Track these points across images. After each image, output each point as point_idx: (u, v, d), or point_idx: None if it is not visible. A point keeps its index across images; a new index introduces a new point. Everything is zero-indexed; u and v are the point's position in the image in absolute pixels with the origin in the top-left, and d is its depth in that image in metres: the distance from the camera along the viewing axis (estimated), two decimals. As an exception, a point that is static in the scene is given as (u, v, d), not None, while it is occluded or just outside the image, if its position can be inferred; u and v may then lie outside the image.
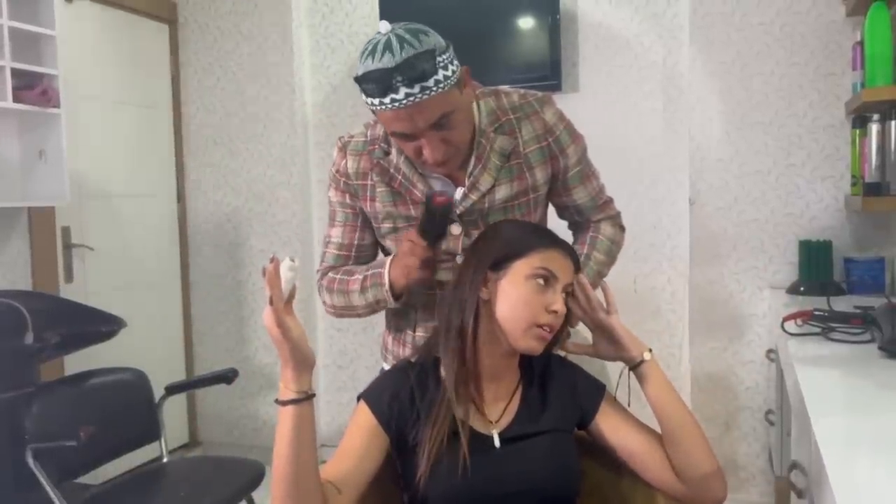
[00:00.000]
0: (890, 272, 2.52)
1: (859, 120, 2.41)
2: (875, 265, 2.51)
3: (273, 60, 3.47)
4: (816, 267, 2.55)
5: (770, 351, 2.53)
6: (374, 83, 1.22)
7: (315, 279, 1.59)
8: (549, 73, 3.02)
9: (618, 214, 1.63)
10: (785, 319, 1.90)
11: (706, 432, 1.29)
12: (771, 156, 2.72)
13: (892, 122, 2.18)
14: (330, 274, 1.52)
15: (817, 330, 1.83)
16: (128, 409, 2.50)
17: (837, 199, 2.66)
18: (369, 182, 1.45)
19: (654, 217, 3.05)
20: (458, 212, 1.41)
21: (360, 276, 1.45)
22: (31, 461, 2.07)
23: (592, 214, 1.58)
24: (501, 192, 1.42)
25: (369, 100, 1.25)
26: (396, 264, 1.40)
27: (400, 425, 1.24)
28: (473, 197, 1.41)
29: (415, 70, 1.20)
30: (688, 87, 2.86)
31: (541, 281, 1.23)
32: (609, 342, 1.34)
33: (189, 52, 3.63)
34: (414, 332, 1.52)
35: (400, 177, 1.42)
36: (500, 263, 1.26)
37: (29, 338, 2.23)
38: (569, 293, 1.28)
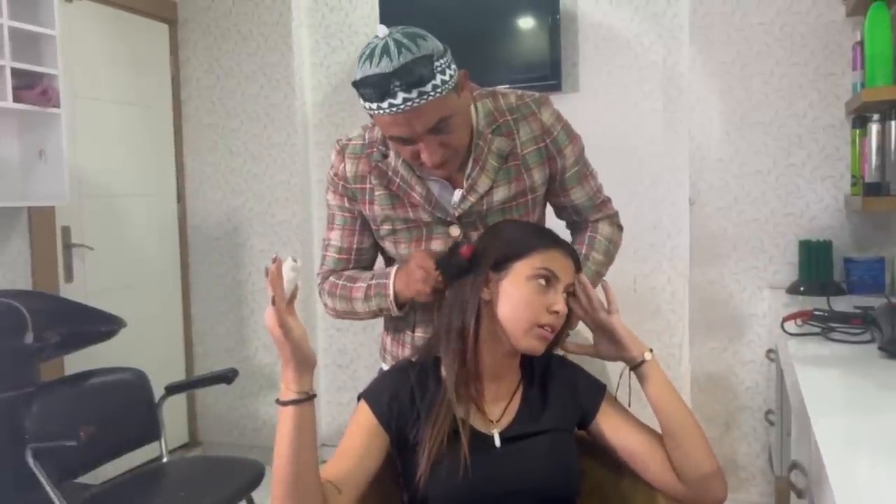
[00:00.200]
0: (890, 272, 2.52)
1: (859, 120, 2.41)
2: (875, 265, 2.51)
3: (273, 60, 3.47)
4: (816, 267, 2.55)
5: (770, 351, 2.53)
6: (372, 88, 1.22)
7: (316, 280, 1.59)
8: (549, 73, 3.02)
9: (615, 214, 1.63)
10: (785, 319, 1.90)
11: (706, 432, 1.29)
12: (771, 156, 2.72)
13: (892, 122, 2.18)
14: (332, 278, 1.52)
15: (817, 330, 1.83)
16: (128, 408, 2.50)
17: (837, 199, 2.66)
18: (368, 185, 1.45)
19: (654, 217, 3.05)
20: (456, 213, 1.41)
21: (364, 285, 1.46)
22: (31, 461, 2.08)
23: (590, 214, 1.58)
24: (499, 194, 1.42)
25: (367, 104, 1.26)
26: (402, 279, 1.40)
27: (400, 425, 1.24)
28: (471, 199, 1.41)
29: (413, 75, 1.20)
30: (688, 87, 2.86)
31: (542, 281, 1.23)
32: (610, 342, 1.34)
33: (189, 51, 3.63)
34: (413, 332, 1.52)
35: (398, 179, 1.42)
36: (501, 264, 1.26)
37: (29, 337, 2.23)
38: (570, 293, 1.28)
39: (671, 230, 3.03)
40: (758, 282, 2.76)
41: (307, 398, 1.09)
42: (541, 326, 1.23)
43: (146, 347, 3.32)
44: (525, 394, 1.32)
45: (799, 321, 1.89)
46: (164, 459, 2.55)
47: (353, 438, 1.22)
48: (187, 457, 3.48)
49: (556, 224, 1.55)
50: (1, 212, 2.75)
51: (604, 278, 1.54)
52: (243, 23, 3.51)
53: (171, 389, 2.58)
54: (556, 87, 3.02)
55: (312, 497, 1.10)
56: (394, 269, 1.43)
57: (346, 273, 1.52)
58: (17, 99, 2.54)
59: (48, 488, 2.07)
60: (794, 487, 1.36)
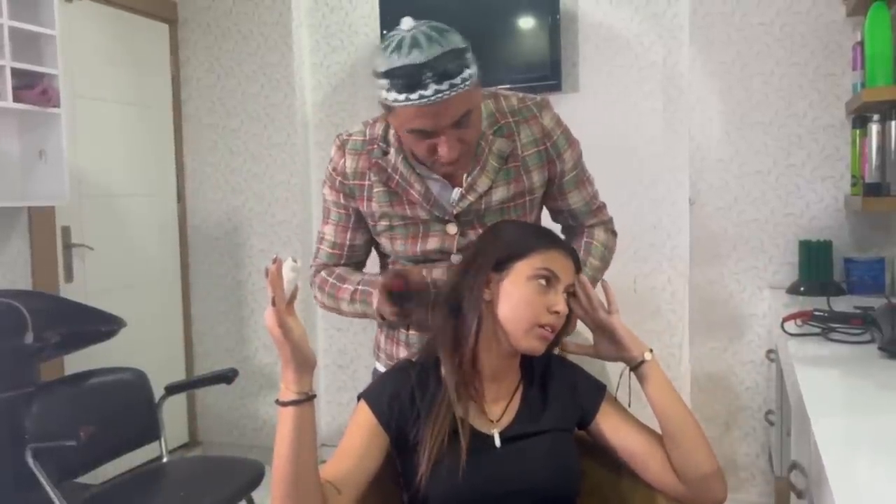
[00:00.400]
0: (890, 272, 2.52)
1: (859, 120, 2.41)
2: (875, 265, 2.51)
3: (273, 60, 3.47)
4: (816, 267, 2.55)
5: (770, 351, 2.53)
6: (402, 79, 1.21)
7: (310, 273, 1.60)
8: (549, 73, 3.02)
9: (610, 220, 1.64)
10: (785, 319, 1.90)
11: (706, 432, 1.29)
12: (771, 156, 2.72)
13: (893, 123, 2.18)
14: (322, 273, 1.54)
15: (817, 330, 1.83)
16: (128, 408, 2.50)
17: (837, 199, 2.66)
18: (367, 182, 1.45)
19: (655, 217, 3.05)
20: (454, 212, 1.42)
21: (352, 288, 1.48)
22: (30, 461, 2.08)
23: (586, 219, 1.59)
24: (498, 194, 1.43)
25: (392, 95, 1.23)
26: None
27: (400, 424, 1.24)
28: (470, 198, 1.41)
29: (444, 67, 1.20)
30: (688, 87, 2.86)
31: (542, 281, 1.24)
32: (610, 342, 1.34)
33: (189, 51, 3.63)
34: (407, 330, 1.52)
35: (397, 177, 1.42)
36: (501, 264, 1.26)
37: (29, 337, 2.23)
38: (570, 293, 1.28)
39: (671, 230, 3.03)
40: (758, 282, 2.76)
41: (307, 399, 1.09)
42: (541, 326, 1.23)
43: (146, 347, 3.33)
44: (525, 394, 1.32)
45: (799, 321, 1.89)
46: (164, 459, 2.55)
47: (352, 438, 1.22)
48: (187, 457, 3.48)
49: (552, 226, 1.55)
50: (1, 212, 2.75)
51: (604, 278, 1.54)
52: (243, 22, 3.51)
53: (171, 389, 2.58)
54: (556, 87, 3.02)
55: (312, 497, 1.10)
56: (379, 280, 1.42)
57: (337, 270, 1.53)
58: (17, 99, 2.54)
59: (48, 488, 2.07)
60: (794, 488, 1.36)
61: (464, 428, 1.21)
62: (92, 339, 2.53)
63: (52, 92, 2.67)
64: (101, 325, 2.50)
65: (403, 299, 1.38)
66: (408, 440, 1.24)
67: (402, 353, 1.54)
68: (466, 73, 1.24)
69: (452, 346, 1.25)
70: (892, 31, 2.13)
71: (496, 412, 1.28)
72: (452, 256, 1.44)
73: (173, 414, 3.33)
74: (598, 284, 1.47)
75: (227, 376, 2.58)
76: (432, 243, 1.44)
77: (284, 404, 1.09)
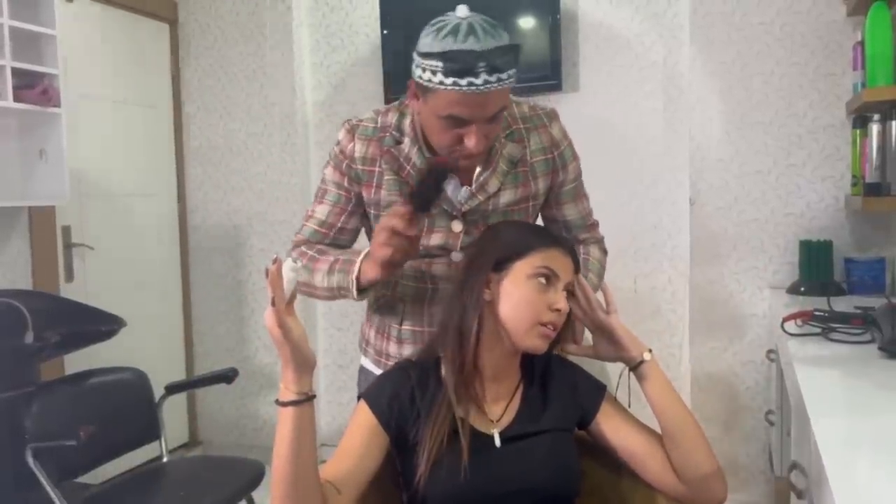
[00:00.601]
0: (890, 272, 2.52)
1: (860, 120, 2.40)
2: (875, 265, 2.51)
3: (273, 60, 3.47)
4: (817, 267, 2.55)
5: (770, 351, 2.53)
6: (456, 63, 1.21)
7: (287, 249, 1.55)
8: (550, 72, 3.02)
9: (602, 239, 1.66)
10: (785, 319, 1.90)
11: (706, 432, 1.29)
12: (771, 156, 2.72)
13: (893, 122, 2.18)
14: (302, 247, 1.49)
15: (817, 330, 1.83)
16: (128, 408, 2.50)
17: (838, 199, 2.66)
18: (377, 169, 1.44)
19: (655, 217, 3.05)
20: (462, 210, 1.42)
21: (332, 259, 1.42)
22: (30, 460, 2.08)
23: (580, 233, 1.60)
24: (506, 197, 1.45)
25: (439, 77, 1.23)
26: (372, 254, 1.35)
27: (400, 424, 1.24)
28: (480, 197, 1.43)
29: (497, 60, 1.22)
30: (688, 86, 2.86)
31: (542, 280, 1.24)
32: (609, 343, 1.34)
33: (189, 51, 3.63)
34: (400, 325, 1.52)
35: (409, 167, 1.42)
36: (501, 264, 1.26)
37: (29, 337, 2.23)
38: (569, 291, 1.28)
39: (671, 230, 3.03)
40: (758, 282, 2.76)
41: (307, 399, 1.09)
42: (543, 325, 1.23)
43: (146, 347, 3.33)
44: (525, 394, 1.32)
45: (799, 321, 1.89)
46: (164, 459, 2.55)
47: (352, 438, 1.22)
48: (187, 456, 3.48)
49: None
50: (1, 211, 2.75)
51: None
52: (244, 22, 3.51)
53: (172, 389, 2.58)
54: (557, 87, 3.02)
55: (312, 497, 1.10)
56: (365, 250, 1.40)
57: (318, 247, 1.49)
58: (17, 98, 2.54)
59: (48, 488, 2.08)
60: (794, 488, 1.36)
61: (464, 428, 1.21)
62: (92, 339, 2.53)
63: (53, 92, 2.67)
64: (101, 325, 2.50)
65: (431, 189, 1.27)
66: (408, 440, 1.24)
67: (393, 349, 1.54)
68: (512, 70, 1.25)
69: (453, 346, 1.25)
70: (893, 31, 2.13)
71: (496, 412, 1.28)
72: (453, 254, 1.44)
73: (173, 414, 3.33)
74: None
75: (228, 376, 2.58)
76: (436, 239, 1.44)
77: (284, 404, 1.08)
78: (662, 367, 1.32)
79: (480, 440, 1.23)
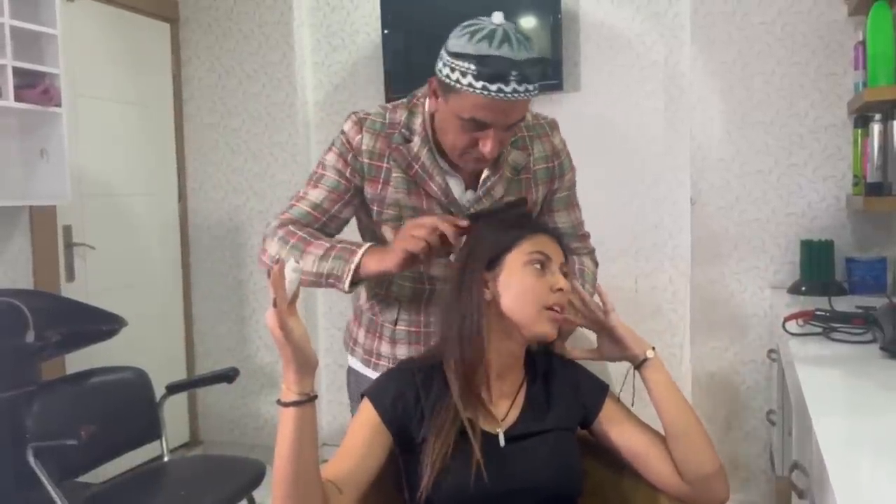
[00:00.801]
0: (892, 272, 2.52)
1: (861, 120, 2.40)
2: (877, 265, 2.51)
3: (274, 59, 3.47)
4: (818, 267, 2.54)
5: (771, 351, 2.53)
6: (490, 67, 1.22)
7: (266, 227, 1.48)
8: (551, 72, 3.01)
9: (594, 250, 1.67)
10: (786, 319, 1.90)
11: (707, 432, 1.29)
12: (772, 155, 2.72)
13: (894, 122, 2.18)
14: (291, 227, 1.43)
15: (818, 330, 1.83)
16: (129, 407, 2.50)
17: (839, 198, 2.66)
18: (385, 165, 1.43)
19: (656, 216, 3.05)
20: (467, 213, 1.43)
21: (328, 244, 1.38)
22: (31, 460, 2.08)
23: (570, 241, 1.61)
24: None
25: (468, 79, 1.24)
26: (376, 255, 1.34)
27: (404, 424, 1.23)
28: (486, 202, 1.44)
29: (528, 71, 1.24)
30: (689, 86, 2.86)
31: (538, 266, 1.25)
32: (612, 342, 1.34)
33: (190, 50, 3.63)
34: (395, 325, 1.52)
35: (417, 166, 1.41)
36: (493, 261, 1.27)
37: (30, 336, 2.23)
38: (564, 273, 1.28)
39: (672, 230, 3.02)
40: (759, 281, 2.76)
41: (308, 400, 1.09)
42: (549, 308, 1.23)
43: (147, 346, 3.33)
44: (528, 393, 1.32)
45: (800, 321, 1.89)
46: (165, 458, 2.55)
47: (355, 437, 1.22)
48: (188, 456, 3.49)
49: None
50: (2, 211, 2.75)
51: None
52: (245, 22, 3.51)
53: (172, 388, 2.58)
54: (558, 87, 3.02)
55: (313, 497, 1.10)
56: (368, 244, 1.38)
57: (309, 230, 1.44)
58: (18, 98, 2.54)
59: (49, 487, 2.08)
60: (796, 488, 1.36)
61: (475, 431, 1.21)
62: (93, 339, 2.53)
63: (54, 91, 2.67)
64: (102, 325, 2.50)
65: (503, 216, 1.31)
66: (412, 440, 1.23)
67: (385, 349, 1.53)
68: (538, 84, 1.28)
69: (457, 354, 1.24)
70: (894, 31, 2.13)
71: (500, 411, 1.28)
72: (452, 256, 1.44)
73: (174, 413, 3.33)
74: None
75: (228, 375, 2.58)
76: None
77: (286, 405, 1.08)
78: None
79: (485, 439, 1.23)
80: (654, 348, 1.31)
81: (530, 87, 1.25)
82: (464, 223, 1.30)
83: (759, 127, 2.72)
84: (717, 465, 1.25)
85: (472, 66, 1.23)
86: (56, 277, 2.99)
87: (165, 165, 3.62)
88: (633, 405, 1.35)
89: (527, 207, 1.41)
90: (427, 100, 1.42)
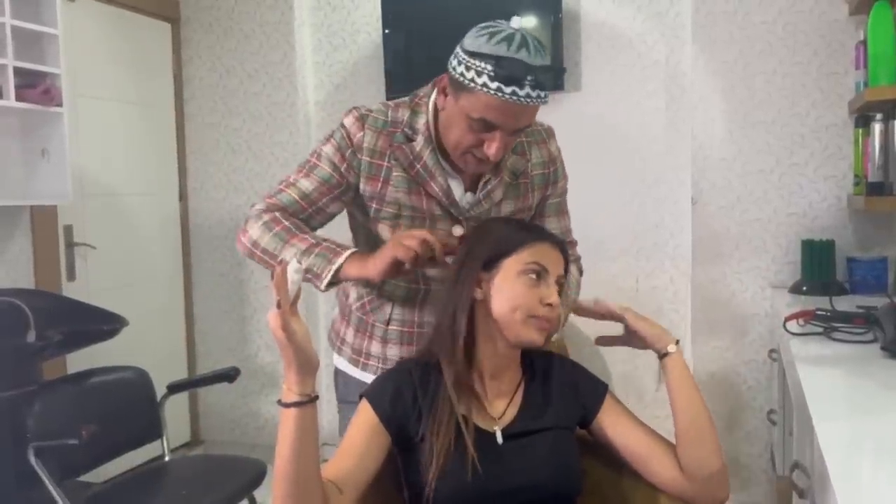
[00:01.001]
0: (893, 272, 2.52)
1: (862, 119, 2.40)
2: (878, 265, 2.51)
3: (275, 59, 3.47)
4: (819, 266, 2.54)
5: (772, 350, 2.53)
6: (507, 70, 1.23)
7: (250, 209, 1.47)
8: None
9: (580, 258, 1.66)
10: (787, 319, 1.89)
11: (708, 432, 1.29)
12: (774, 155, 2.71)
13: (895, 122, 2.18)
14: (277, 213, 1.41)
15: (820, 330, 1.83)
16: (129, 407, 2.50)
17: (840, 198, 2.65)
18: (385, 164, 1.42)
19: (657, 216, 3.05)
20: (466, 215, 1.43)
21: (312, 240, 1.36)
22: (32, 459, 2.08)
23: None
24: (506, 207, 1.47)
25: (483, 79, 1.24)
26: (358, 261, 1.33)
27: (402, 423, 1.24)
28: (486, 205, 1.44)
29: (543, 77, 1.25)
30: (690, 86, 2.86)
31: (533, 276, 1.25)
32: (634, 336, 1.36)
33: (191, 50, 3.63)
34: (387, 325, 1.51)
35: (419, 166, 1.41)
36: (491, 263, 1.27)
37: (31, 336, 2.23)
38: (560, 285, 1.28)
39: (674, 229, 3.02)
40: (760, 281, 2.76)
41: (309, 400, 1.09)
42: (536, 318, 1.24)
43: (148, 346, 3.33)
44: (527, 391, 1.32)
45: (801, 321, 1.88)
46: (166, 458, 2.55)
47: (354, 437, 1.22)
48: (189, 455, 3.49)
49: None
50: (3, 211, 2.75)
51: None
52: (246, 21, 3.51)
53: (173, 388, 2.58)
54: (559, 87, 3.01)
55: (314, 496, 1.10)
56: (352, 249, 1.37)
57: (294, 220, 1.42)
58: (19, 98, 2.54)
59: (50, 487, 2.08)
60: (796, 487, 1.36)
61: (468, 427, 1.21)
62: (94, 338, 2.53)
63: (55, 91, 2.68)
64: (103, 324, 2.50)
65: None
66: (410, 439, 1.24)
67: (376, 348, 1.53)
68: (549, 91, 1.28)
69: (448, 348, 1.26)
70: (895, 31, 2.13)
71: (498, 409, 1.29)
72: (448, 257, 1.44)
73: (175, 413, 3.33)
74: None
75: (229, 375, 2.58)
76: None
77: (287, 405, 1.08)
78: (664, 365, 1.33)
79: (482, 437, 1.23)
80: (678, 342, 1.32)
81: (542, 94, 1.26)
82: (454, 241, 1.32)
83: (760, 126, 2.72)
84: (721, 465, 1.26)
85: (489, 67, 1.24)
86: (57, 277, 2.99)
87: (166, 165, 3.62)
88: (656, 391, 1.35)
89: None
90: (431, 100, 1.41)
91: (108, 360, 2.63)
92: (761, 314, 2.76)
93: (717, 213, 2.78)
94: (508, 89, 1.23)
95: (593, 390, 1.35)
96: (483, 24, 1.30)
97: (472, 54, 1.26)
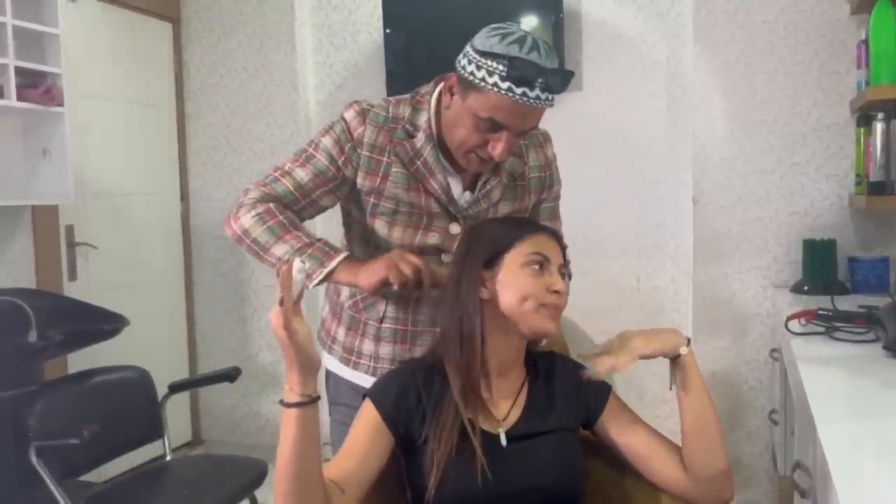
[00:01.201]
0: (894, 271, 2.51)
1: (864, 118, 2.40)
2: (879, 264, 2.50)
3: (276, 59, 3.47)
4: (820, 266, 2.54)
5: (774, 350, 2.52)
6: (519, 71, 1.24)
7: (243, 195, 1.43)
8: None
9: (569, 262, 1.65)
10: (789, 318, 1.89)
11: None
12: (775, 154, 2.71)
13: (897, 121, 2.18)
14: (272, 205, 1.39)
15: (821, 329, 1.82)
16: (131, 407, 2.50)
17: (842, 197, 2.65)
18: (385, 159, 1.42)
19: (658, 216, 3.04)
20: (464, 214, 1.44)
21: (307, 239, 1.37)
22: (34, 459, 2.08)
23: None
24: (504, 207, 1.48)
25: (494, 79, 1.25)
26: (351, 268, 1.35)
27: (406, 424, 1.23)
28: (484, 204, 1.45)
29: (553, 80, 1.27)
30: (691, 85, 2.85)
31: (536, 266, 1.25)
32: None
33: (192, 50, 3.63)
34: (380, 324, 1.50)
35: (419, 162, 1.41)
36: (492, 260, 1.27)
37: (32, 336, 2.23)
38: (562, 274, 1.28)
39: (675, 229, 3.02)
40: (761, 281, 2.75)
41: (311, 401, 1.09)
42: (545, 306, 1.24)
43: (149, 346, 3.33)
44: (530, 393, 1.32)
45: (803, 320, 1.88)
46: (167, 458, 2.55)
47: (357, 437, 1.22)
48: (190, 455, 3.49)
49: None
50: (5, 210, 2.76)
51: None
52: (246, 21, 3.51)
53: (174, 388, 2.58)
54: (568, 90, 3.01)
55: (315, 496, 1.10)
56: (346, 253, 1.38)
57: (288, 214, 1.41)
58: (20, 98, 2.55)
59: (51, 486, 2.08)
60: (798, 487, 1.35)
61: (475, 431, 1.21)
62: (95, 338, 2.53)
63: (56, 91, 2.68)
64: (104, 324, 2.50)
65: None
66: (414, 440, 1.23)
67: (368, 347, 1.52)
68: (557, 95, 1.29)
69: (457, 352, 1.25)
70: (897, 30, 2.13)
71: (502, 411, 1.28)
72: (444, 255, 1.44)
73: (176, 412, 3.33)
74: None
75: (230, 375, 2.58)
76: (432, 238, 1.44)
77: (288, 406, 1.08)
78: (665, 365, 1.32)
79: (487, 440, 1.23)
80: (688, 343, 1.28)
81: (550, 97, 1.27)
82: (443, 273, 1.35)
83: (761, 126, 2.72)
84: (726, 466, 1.26)
85: (501, 67, 1.24)
86: (58, 277, 2.99)
87: (167, 165, 3.63)
88: (671, 388, 1.32)
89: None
90: (433, 98, 1.42)
91: (110, 360, 2.64)
92: (763, 314, 2.76)
93: (718, 212, 2.78)
94: (519, 90, 1.24)
95: (597, 391, 1.34)
96: (494, 25, 1.30)
97: (484, 54, 1.26)
